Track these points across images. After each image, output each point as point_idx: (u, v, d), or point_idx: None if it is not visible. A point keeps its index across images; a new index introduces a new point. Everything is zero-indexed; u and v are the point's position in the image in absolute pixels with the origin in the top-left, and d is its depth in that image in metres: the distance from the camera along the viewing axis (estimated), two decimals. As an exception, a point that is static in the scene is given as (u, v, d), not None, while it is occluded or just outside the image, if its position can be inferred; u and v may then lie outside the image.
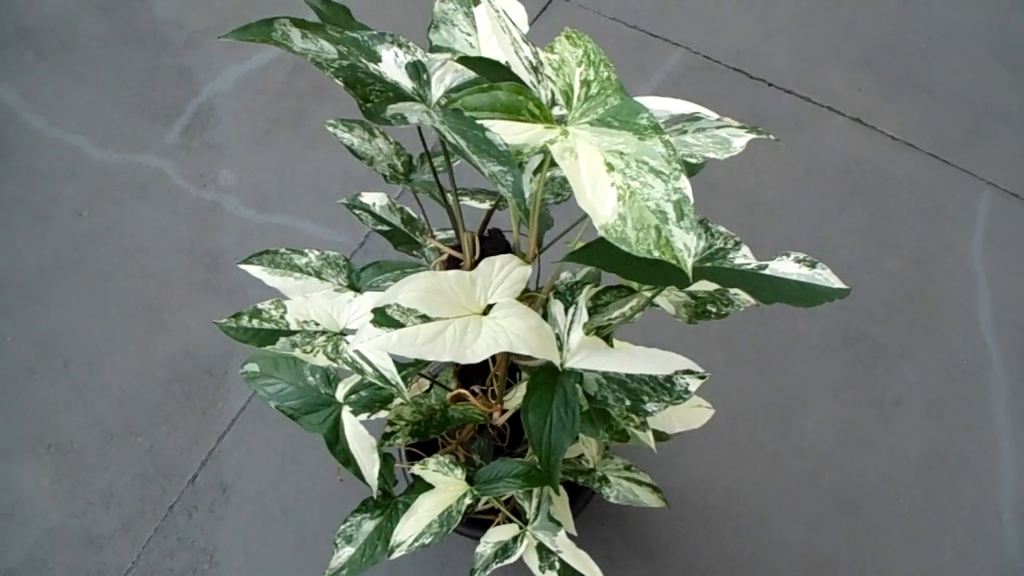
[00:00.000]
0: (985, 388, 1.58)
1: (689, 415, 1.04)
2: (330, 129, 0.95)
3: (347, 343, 0.81)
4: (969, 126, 1.91)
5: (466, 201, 0.98)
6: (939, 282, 1.70)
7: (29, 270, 1.71)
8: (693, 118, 0.68)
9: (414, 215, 1.01)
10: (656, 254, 0.44)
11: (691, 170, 0.69)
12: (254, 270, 0.94)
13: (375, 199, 1.02)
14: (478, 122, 0.50)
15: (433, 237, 0.93)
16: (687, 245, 0.44)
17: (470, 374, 1.02)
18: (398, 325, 0.61)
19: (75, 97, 1.96)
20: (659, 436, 1.09)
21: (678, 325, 1.58)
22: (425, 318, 0.62)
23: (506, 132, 0.50)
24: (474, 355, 0.63)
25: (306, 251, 0.95)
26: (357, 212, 1.02)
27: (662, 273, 0.60)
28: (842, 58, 2.03)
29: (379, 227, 1.01)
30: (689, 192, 0.46)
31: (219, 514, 1.45)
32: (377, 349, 0.58)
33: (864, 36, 2.08)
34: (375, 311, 0.61)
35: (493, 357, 0.95)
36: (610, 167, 0.47)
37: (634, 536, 1.43)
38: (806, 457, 1.52)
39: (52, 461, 1.50)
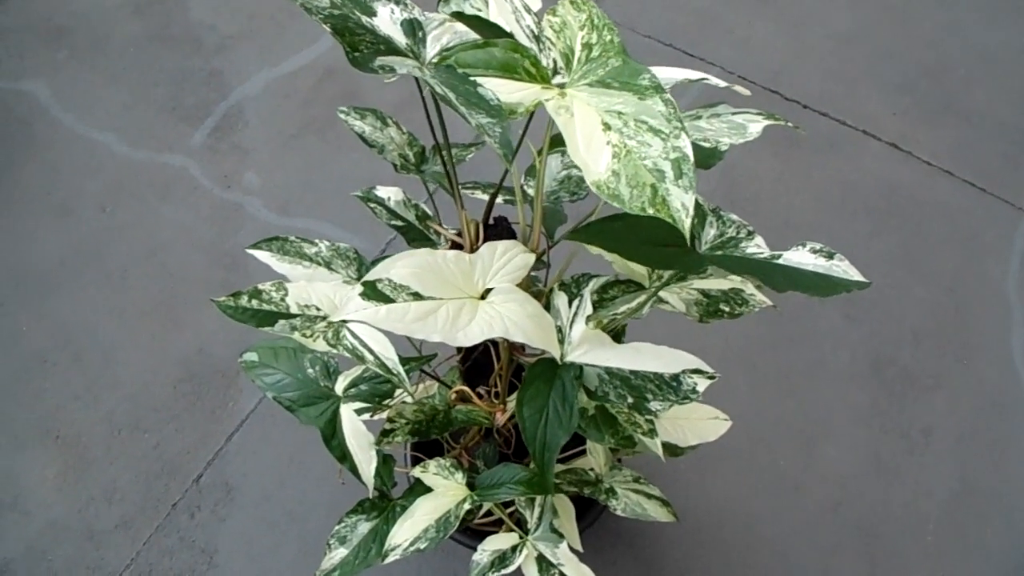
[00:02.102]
0: (1018, 422, 1.51)
1: (704, 427, 1.00)
2: (342, 116, 0.93)
3: (348, 330, 0.78)
4: (1008, 154, 1.86)
5: (477, 195, 0.95)
6: (972, 312, 1.64)
7: (49, 262, 1.72)
8: (709, 104, 0.65)
9: (429, 212, 0.99)
10: (651, 211, 0.41)
11: (706, 157, 0.66)
12: (263, 255, 0.92)
13: (390, 193, 1.00)
14: (471, 78, 0.47)
15: (441, 225, 0.90)
16: (685, 204, 0.41)
17: (475, 375, 0.99)
18: (388, 300, 0.58)
19: (105, 96, 1.98)
20: (673, 451, 1.04)
21: (698, 343, 1.55)
22: (418, 296, 0.60)
23: (501, 90, 0.48)
24: (467, 338, 0.60)
25: (316, 241, 0.94)
26: (372, 206, 1.00)
27: (667, 256, 0.57)
28: (879, 82, 1.99)
29: (393, 222, 0.99)
30: (689, 151, 0.43)
31: (222, 515, 1.43)
32: (362, 322, 0.55)
33: (901, 60, 2.03)
34: (365, 284, 0.58)
35: (497, 355, 0.92)
36: (607, 126, 0.44)
37: (647, 559, 1.38)
38: (828, 484, 1.46)
39: (58, 453, 1.49)
